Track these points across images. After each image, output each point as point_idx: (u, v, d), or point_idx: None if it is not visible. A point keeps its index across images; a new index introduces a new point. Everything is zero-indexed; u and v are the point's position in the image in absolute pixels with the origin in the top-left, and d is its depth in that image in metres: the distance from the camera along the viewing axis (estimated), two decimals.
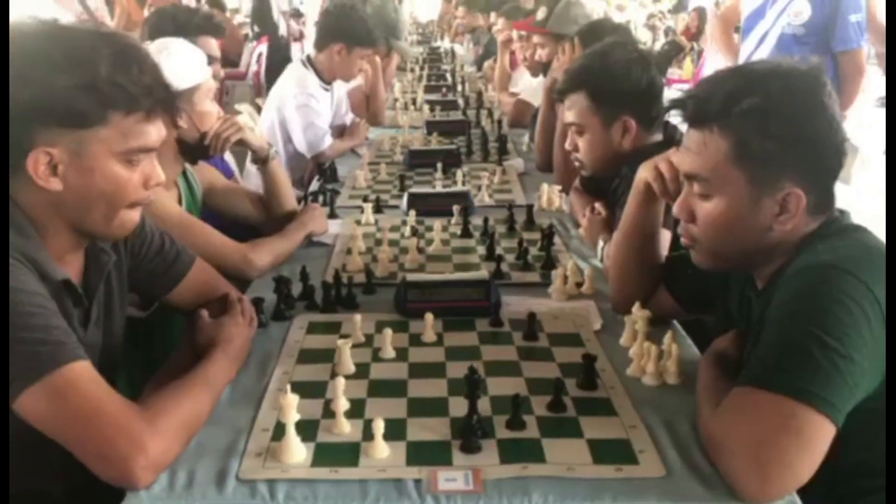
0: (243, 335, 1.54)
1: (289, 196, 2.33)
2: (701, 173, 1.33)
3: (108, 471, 1.16)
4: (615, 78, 2.06)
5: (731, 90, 1.29)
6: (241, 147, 2.19)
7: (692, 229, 1.38)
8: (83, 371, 1.19)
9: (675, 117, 1.46)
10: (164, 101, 1.34)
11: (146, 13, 4.72)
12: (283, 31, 9.35)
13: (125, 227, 1.37)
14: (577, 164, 2.25)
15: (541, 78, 3.86)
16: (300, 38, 10.36)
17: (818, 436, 1.12)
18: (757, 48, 3.63)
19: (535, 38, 3.52)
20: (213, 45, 2.75)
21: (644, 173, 1.61)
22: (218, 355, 1.42)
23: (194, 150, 2.06)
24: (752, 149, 1.27)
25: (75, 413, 1.16)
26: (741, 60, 3.73)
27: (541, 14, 3.41)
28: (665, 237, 1.72)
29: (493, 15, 5.62)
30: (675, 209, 1.41)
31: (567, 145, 2.23)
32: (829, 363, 1.13)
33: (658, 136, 2.11)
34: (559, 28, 3.27)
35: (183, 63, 1.98)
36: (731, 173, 1.29)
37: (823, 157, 1.29)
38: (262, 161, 2.25)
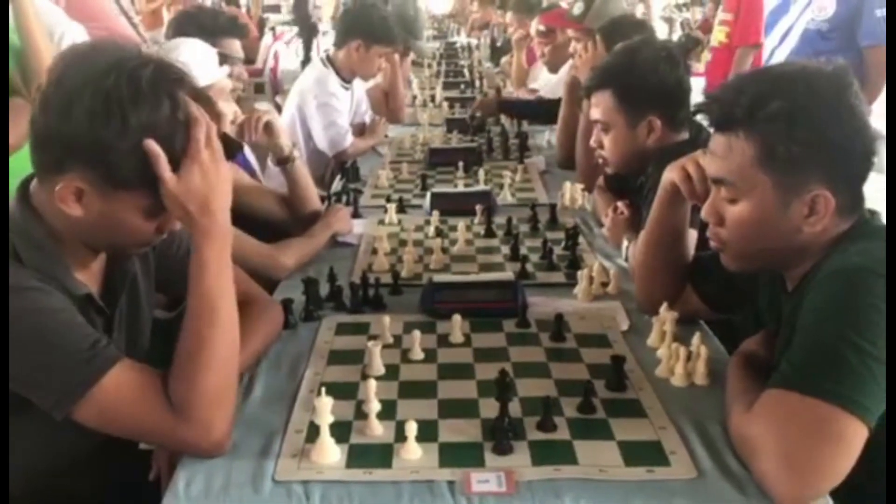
0: None
1: (312, 196, 2.34)
2: (727, 177, 1.33)
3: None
4: (642, 77, 2.05)
5: (755, 94, 1.28)
6: (268, 138, 2.21)
7: (721, 232, 1.38)
8: (114, 384, 1.20)
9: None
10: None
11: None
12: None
13: (137, 251, 1.40)
14: (601, 161, 2.25)
15: (560, 73, 3.86)
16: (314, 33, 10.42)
17: (852, 439, 1.12)
18: (780, 43, 3.62)
19: (570, 33, 3.51)
20: (237, 46, 2.77)
21: (671, 175, 1.60)
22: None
23: None
24: (778, 153, 1.26)
25: (122, 424, 1.24)
26: (765, 56, 3.72)
27: (577, 9, 3.39)
28: (692, 237, 1.72)
29: (508, 15, 5.54)
30: (704, 213, 1.41)
31: (592, 142, 2.23)
32: (862, 366, 1.13)
33: (684, 135, 2.10)
34: (596, 23, 3.16)
35: (194, 62, 1.98)
36: (758, 177, 1.29)
37: (851, 159, 1.29)
38: (284, 161, 2.26)
